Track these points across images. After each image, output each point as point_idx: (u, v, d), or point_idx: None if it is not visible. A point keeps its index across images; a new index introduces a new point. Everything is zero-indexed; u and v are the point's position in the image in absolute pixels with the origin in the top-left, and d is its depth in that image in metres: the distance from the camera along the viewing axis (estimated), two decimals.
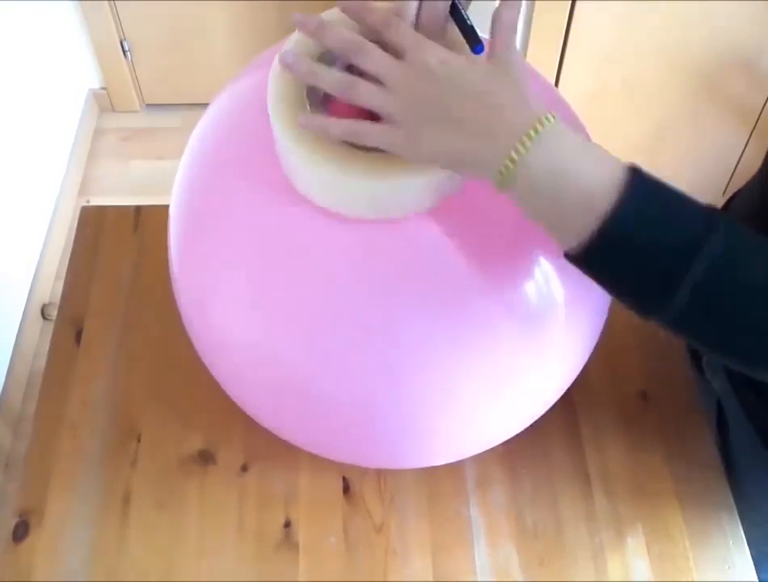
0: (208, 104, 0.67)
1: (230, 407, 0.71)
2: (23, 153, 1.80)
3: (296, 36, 0.54)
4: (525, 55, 1.72)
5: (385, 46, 0.49)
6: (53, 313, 1.48)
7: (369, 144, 0.48)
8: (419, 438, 0.62)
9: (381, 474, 0.77)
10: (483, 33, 0.51)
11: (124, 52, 2.13)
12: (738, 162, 1.93)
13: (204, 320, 0.63)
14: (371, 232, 0.53)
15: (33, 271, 1.81)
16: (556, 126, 0.45)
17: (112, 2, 2.01)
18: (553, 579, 0.72)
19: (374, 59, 0.48)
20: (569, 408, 0.66)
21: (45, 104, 1.95)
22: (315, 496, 0.76)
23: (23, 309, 1.74)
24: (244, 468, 0.78)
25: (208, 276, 0.60)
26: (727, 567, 0.73)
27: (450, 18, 0.52)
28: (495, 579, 0.72)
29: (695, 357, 0.85)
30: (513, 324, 0.56)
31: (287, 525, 0.75)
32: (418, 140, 0.47)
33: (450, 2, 0.51)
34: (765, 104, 1.79)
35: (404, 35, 0.49)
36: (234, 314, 0.59)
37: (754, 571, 0.73)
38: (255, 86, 0.56)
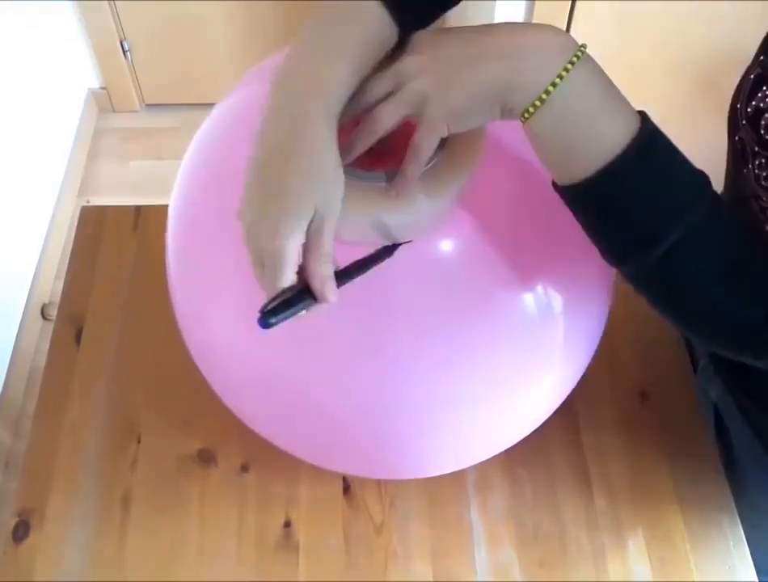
0: (208, 104, 0.66)
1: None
2: (22, 154, 1.80)
3: None
4: None
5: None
6: (53, 313, 1.48)
7: (396, 116, 0.46)
8: (419, 449, 0.62)
9: None
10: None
11: (124, 52, 2.13)
12: None
13: (200, 328, 0.62)
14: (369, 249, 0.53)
15: (33, 271, 1.81)
16: (588, 55, 0.45)
17: (112, 2, 2.00)
18: (553, 581, 0.72)
19: (375, 77, 0.47)
20: (569, 411, 0.66)
21: (45, 104, 1.94)
22: (316, 497, 0.76)
23: (23, 309, 1.74)
24: (244, 468, 0.78)
25: (204, 284, 0.60)
26: (727, 568, 0.73)
27: None
28: (495, 581, 0.72)
29: (693, 364, 0.85)
30: (513, 333, 0.56)
31: (287, 525, 0.75)
32: (445, 80, 0.44)
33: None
34: None
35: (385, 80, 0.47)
36: (231, 323, 0.59)
37: (755, 573, 0.73)
38: (261, 93, 0.55)
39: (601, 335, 0.64)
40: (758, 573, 0.73)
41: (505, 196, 0.56)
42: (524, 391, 0.60)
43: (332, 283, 0.46)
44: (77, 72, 2.16)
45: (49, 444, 0.80)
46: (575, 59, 0.44)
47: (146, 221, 0.96)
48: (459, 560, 0.73)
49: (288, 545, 0.74)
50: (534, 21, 1.72)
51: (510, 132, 0.51)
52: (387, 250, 0.51)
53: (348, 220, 0.49)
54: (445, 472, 0.71)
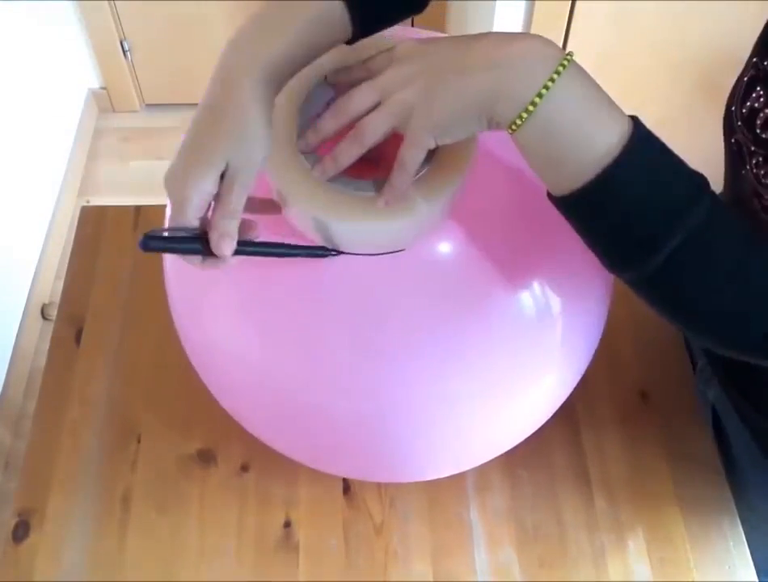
0: None
1: None
2: (22, 154, 1.80)
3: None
4: None
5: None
6: (53, 313, 1.48)
7: (381, 130, 0.46)
8: (419, 452, 0.62)
9: None
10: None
11: (124, 52, 2.13)
12: None
13: (197, 331, 0.62)
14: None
15: (33, 271, 1.81)
16: (576, 63, 0.44)
17: (112, 2, 2.01)
18: (553, 581, 0.72)
19: (357, 88, 0.47)
20: (569, 411, 0.66)
21: (45, 104, 1.94)
22: (315, 497, 0.76)
23: (23, 309, 1.74)
24: (244, 468, 0.78)
25: (202, 286, 0.60)
26: (727, 568, 0.73)
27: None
28: (495, 581, 0.72)
29: (692, 365, 0.85)
30: (511, 335, 0.55)
31: (287, 525, 0.75)
32: (430, 93, 0.45)
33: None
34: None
35: (374, 63, 0.49)
36: (228, 326, 0.58)
37: (755, 573, 0.73)
38: None
39: (600, 335, 0.64)
40: (758, 573, 0.73)
41: (501, 198, 0.56)
42: (523, 393, 0.60)
43: (230, 240, 0.47)
44: (77, 72, 2.16)
45: (49, 444, 0.80)
46: (561, 68, 0.43)
47: (146, 221, 0.97)
48: (459, 560, 0.73)
49: (288, 545, 0.74)
50: (534, 21, 1.72)
51: (505, 135, 0.51)
52: (319, 251, 0.51)
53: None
54: (445, 475, 0.71)
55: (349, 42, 0.52)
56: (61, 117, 2.08)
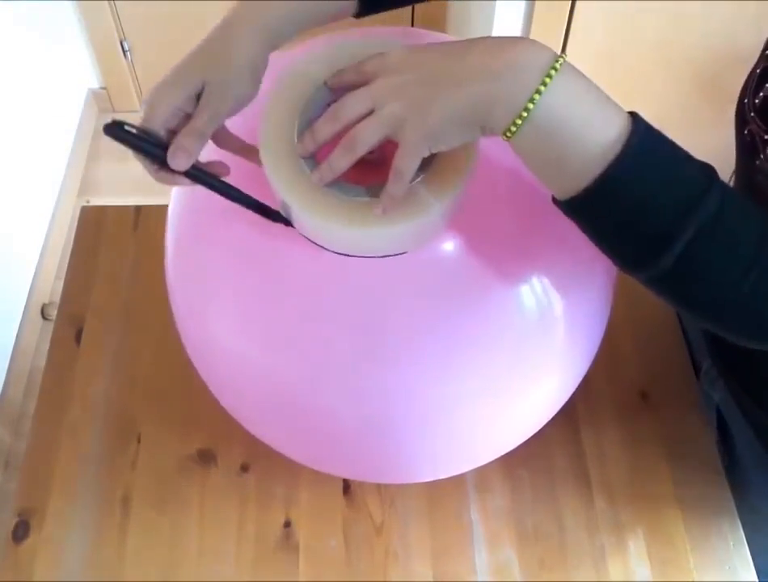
0: None
1: None
2: (22, 154, 1.80)
3: (297, 67, 0.54)
4: None
5: None
6: (53, 313, 1.48)
7: (374, 139, 0.47)
8: (420, 454, 0.62)
9: None
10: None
11: (124, 52, 2.12)
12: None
13: (198, 331, 0.62)
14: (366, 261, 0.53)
15: (33, 271, 1.81)
16: (569, 64, 0.44)
17: (112, 2, 2.00)
18: (553, 581, 0.72)
19: (351, 94, 0.48)
20: (569, 411, 0.66)
21: (45, 104, 1.94)
22: (316, 497, 0.76)
23: (23, 309, 1.74)
24: (244, 468, 0.78)
25: (204, 286, 0.60)
26: (727, 568, 0.73)
27: None
28: (495, 581, 0.72)
29: (695, 368, 0.85)
30: (513, 338, 0.55)
31: (287, 525, 0.75)
32: (423, 104, 0.45)
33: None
34: None
35: (369, 66, 0.49)
36: (230, 326, 0.58)
37: (755, 573, 0.73)
38: (259, 97, 0.55)
39: (602, 337, 0.64)
40: (758, 574, 0.73)
41: (502, 199, 0.56)
42: (525, 395, 0.60)
43: (186, 156, 0.49)
44: (77, 72, 2.16)
45: (49, 444, 0.80)
46: (553, 72, 0.43)
47: (146, 221, 0.96)
48: (459, 560, 0.73)
49: (288, 545, 0.74)
50: (534, 21, 1.72)
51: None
52: (271, 214, 0.52)
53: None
54: (446, 476, 0.70)
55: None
56: (61, 117, 2.07)
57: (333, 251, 0.52)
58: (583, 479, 0.77)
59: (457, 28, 1.96)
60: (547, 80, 0.43)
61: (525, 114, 0.43)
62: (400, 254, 0.52)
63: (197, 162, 0.50)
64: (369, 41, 0.53)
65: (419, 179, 0.50)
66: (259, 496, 0.76)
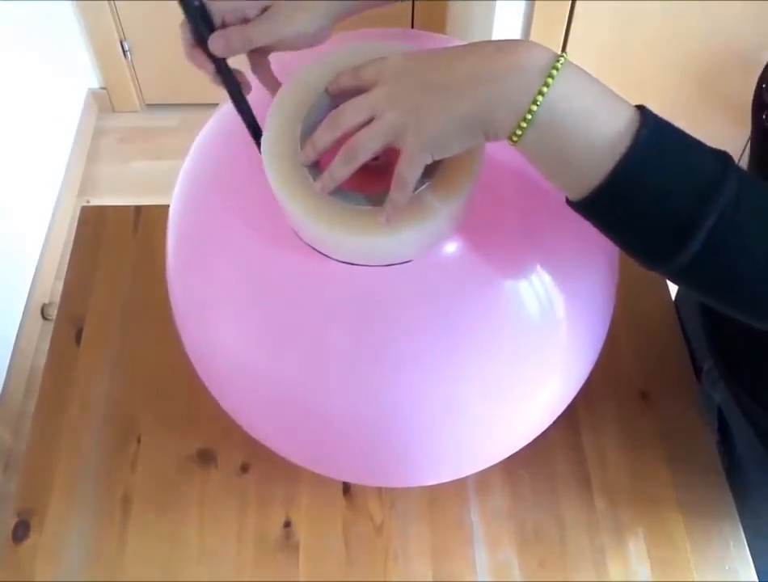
0: (208, 104, 0.66)
1: None
2: (23, 154, 1.80)
3: (300, 74, 0.54)
4: None
5: None
6: (53, 313, 1.48)
7: (374, 147, 0.46)
8: (421, 458, 0.62)
9: None
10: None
11: (124, 52, 2.13)
12: (738, 161, 1.93)
13: (199, 332, 0.62)
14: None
15: (33, 271, 1.81)
16: (570, 63, 0.44)
17: (112, 2, 2.00)
18: (553, 581, 0.72)
19: (349, 102, 0.47)
20: (570, 412, 0.66)
21: (45, 104, 1.94)
22: (315, 497, 0.76)
23: (22, 309, 1.74)
24: (244, 468, 0.78)
25: (204, 286, 0.59)
26: (727, 568, 0.73)
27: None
28: (495, 581, 0.72)
29: (695, 369, 0.85)
30: (515, 342, 0.55)
31: (287, 525, 0.75)
32: (423, 110, 0.45)
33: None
34: None
35: (366, 72, 0.49)
36: (231, 327, 0.58)
37: (754, 573, 0.73)
38: (262, 100, 0.55)
39: (603, 340, 0.64)
40: (758, 574, 0.73)
41: (505, 203, 0.56)
42: (527, 399, 0.59)
43: (225, 45, 0.53)
44: (77, 72, 2.16)
45: (49, 445, 0.80)
46: (554, 71, 0.43)
47: (146, 221, 0.96)
48: (459, 560, 0.73)
49: (288, 545, 0.74)
50: (534, 21, 1.72)
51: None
52: (257, 137, 0.53)
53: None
54: (447, 480, 0.70)
55: None
56: (61, 117, 2.07)
57: (337, 260, 0.52)
58: (583, 480, 0.77)
59: (458, 28, 1.96)
60: (549, 80, 0.43)
61: (529, 116, 0.43)
62: (405, 262, 0.52)
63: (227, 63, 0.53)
64: (371, 46, 0.53)
65: (423, 186, 0.49)
66: (260, 496, 0.76)
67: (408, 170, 0.46)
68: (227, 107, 0.64)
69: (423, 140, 0.45)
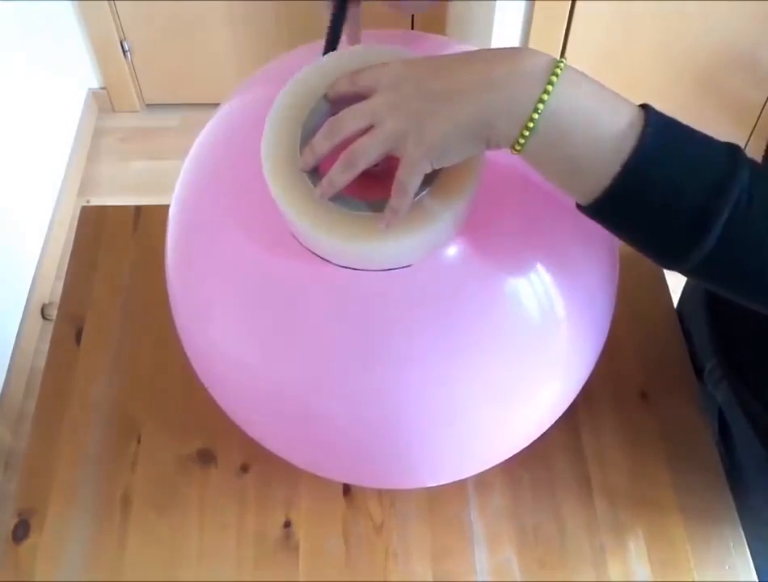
0: (208, 104, 0.66)
1: None
2: (23, 154, 1.80)
3: (298, 79, 0.54)
4: None
5: None
6: (53, 313, 1.48)
7: (373, 155, 0.46)
8: (422, 460, 0.62)
9: None
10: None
11: (124, 52, 2.13)
12: None
13: (199, 333, 0.62)
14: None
15: (33, 271, 1.81)
16: (571, 68, 0.44)
17: (112, 1, 2.00)
18: (553, 581, 0.72)
19: (349, 109, 0.47)
20: (570, 412, 0.66)
21: (45, 104, 1.94)
22: (316, 497, 0.76)
23: (23, 309, 1.74)
24: (244, 468, 0.78)
25: (204, 287, 0.59)
26: (727, 568, 0.73)
27: None
28: (495, 581, 0.72)
29: (695, 368, 0.85)
30: (516, 344, 0.55)
31: (287, 525, 0.75)
32: (423, 118, 0.44)
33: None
34: (765, 103, 1.79)
35: (364, 78, 0.48)
36: (231, 328, 0.58)
37: (754, 573, 0.73)
38: (265, 96, 0.55)
39: (604, 341, 0.64)
40: (758, 574, 0.73)
41: (506, 206, 0.56)
42: (528, 401, 0.59)
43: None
44: (77, 72, 2.16)
45: (49, 444, 0.80)
46: (554, 78, 0.43)
47: (146, 221, 0.96)
48: (459, 560, 0.73)
49: (288, 545, 0.74)
50: (534, 21, 1.72)
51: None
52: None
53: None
54: (447, 481, 0.70)
55: None
56: (61, 117, 2.07)
57: (337, 265, 0.52)
58: (583, 480, 0.77)
59: (457, 29, 1.96)
60: (549, 87, 0.42)
61: (531, 124, 0.43)
62: (405, 267, 0.52)
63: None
64: (371, 50, 0.53)
65: (424, 192, 0.49)
66: (259, 496, 0.77)
67: (408, 177, 0.46)
68: (227, 107, 0.64)
69: (423, 148, 0.45)
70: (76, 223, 0.98)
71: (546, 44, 1.74)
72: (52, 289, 1.86)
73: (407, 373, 0.54)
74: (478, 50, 0.46)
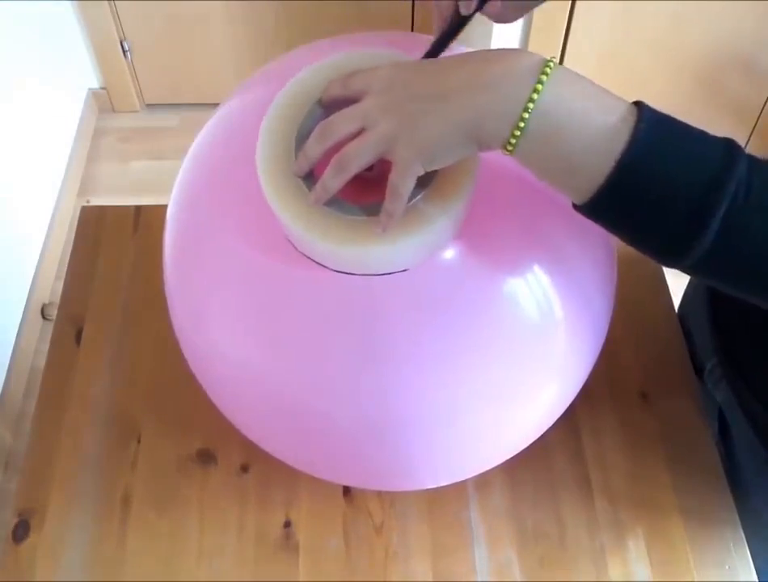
0: (208, 104, 0.66)
1: None
2: (23, 154, 1.80)
3: (293, 83, 0.53)
4: None
5: None
6: (53, 313, 1.48)
7: (365, 159, 0.46)
8: (421, 462, 0.62)
9: None
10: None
11: (124, 52, 2.13)
12: None
13: (197, 334, 0.62)
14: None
15: (33, 271, 1.81)
16: (561, 67, 0.44)
17: (112, 2, 2.01)
18: (553, 581, 0.72)
19: (340, 113, 0.47)
20: (569, 412, 0.66)
21: (45, 104, 1.94)
22: (315, 497, 0.76)
23: (23, 309, 1.74)
24: (244, 468, 0.78)
25: (202, 288, 0.59)
26: (727, 568, 0.73)
27: None
28: (495, 581, 0.72)
29: (696, 368, 0.85)
30: (515, 345, 0.55)
31: (287, 525, 0.75)
32: (413, 121, 0.44)
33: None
34: (765, 103, 1.79)
35: (356, 82, 0.48)
36: (229, 329, 0.58)
37: (754, 573, 0.73)
38: (265, 96, 0.55)
39: (602, 343, 0.64)
40: (758, 574, 0.73)
41: (503, 208, 0.56)
42: (526, 402, 0.59)
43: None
44: (77, 72, 2.16)
45: (49, 444, 0.80)
46: (543, 77, 0.43)
47: (146, 221, 0.97)
48: (459, 560, 0.73)
49: (288, 545, 0.74)
50: (534, 22, 1.72)
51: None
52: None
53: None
54: (447, 483, 0.70)
55: None
56: (61, 117, 2.07)
57: (334, 270, 0.52)
58: (583, 480, 0.77)
59: None
60: (539, 86, 0.42)
61: (521, 124, 0.43)
62: (402, 271, 0.52)
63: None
64: (367, 54, 0.53)
65: (420, 196, 0.49)
66: (259, 496, 0.77)
67: (401, 180, 0.46)
68: (226, 107, 0.64)
69: (414, 151, 0.45)
70: (76, 223, 0.98)
71: (546, 44, 1.74)
72: (52, 289, 1.86)
73: (405, 376, 0.54)
74: (468, 52, 0.46)
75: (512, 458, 0.67)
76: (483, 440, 0.61)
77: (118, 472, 0.78)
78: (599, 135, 0.43)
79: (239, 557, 0.73)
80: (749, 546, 0.74)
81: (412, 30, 1.95)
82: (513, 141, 0.44)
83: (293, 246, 0.53)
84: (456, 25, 0.55)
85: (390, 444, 0.58)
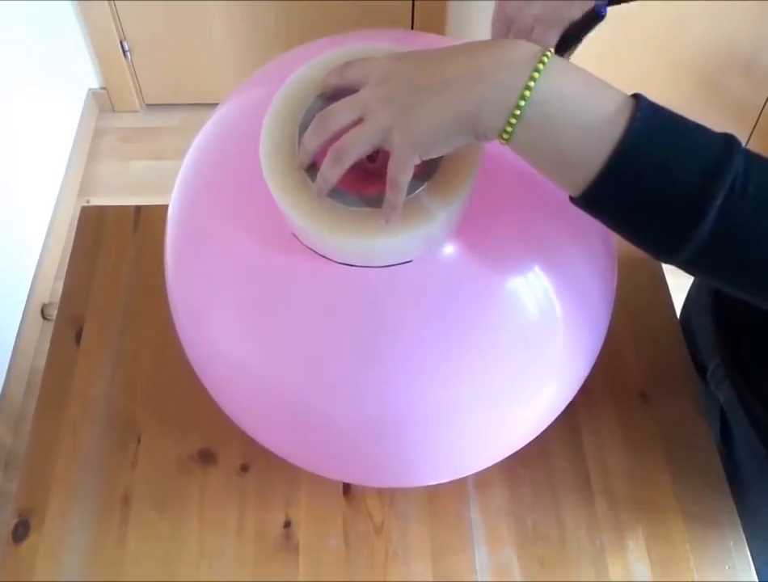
0: (208, 104, 0.66)
1: None
2: (23, 154, 1.80)
3: (295, 78, 0.54)
4: None
5: None
6: (53, 313, 1.48)
7: (362, 149, 0.46)
8: (421, 459, 0.62)
9: None
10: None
11: (124, 52, 2.13)
12: None
13: (198, 334, 0.62)
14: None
15: (33, 271, 1.81)
16: (557, 58, 0.44)
17: (112, 2, 2.00)
18: (553, 581, 0.72)
19: (338, 103, 0.47)
20: (569, 411, 0.66)
21: (45, 104, 1.94)
22: (315, 497, 0.76)
23: (23, 309, 1.74)
24: (244, 468, 0.78)
25: (203, 288, 0.59)
26: (727, 568, 0.73)
27: None
28: (495, 581, 0.72)
29: (699, 368, 0.85)
30: (515, 344, 0.55)
31: (287, 525, 0.75)
32: (409, 111, 0.45)
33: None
34: (765, 103, 1.79)
35: (353, 71, 0.48)
36: (230, 329, 0.58)
37: (754, 573, 0.73)
38: (265, 96, 0.55)
39: (602, 342, 0.64)
40: (758, 574, 0.73)
41: (503, 204, 0.56)
42: (526, 400, 0.59)
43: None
44: (77, 72, 2.16)
45: (49, 444, 0.80)
46: (540, 66, 0.43)
47: (146, 221, 0.97)
48: (459, 560, 0.73)
49: (288, 545, 0.74)
50: None
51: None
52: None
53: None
54: (446, 480, 0.70)
55: None
56: (61, 117, 2.07)
57: (336, 261, 0.52)
58: (583, 479, 0.77)
59: (457, 28, 1.96)
60: (536, 75, 0.42)
61: (517, 112, 0.43)
62: (405, 263, 0.52)
63: None
64: (368, 48, 0.53)
65: (422, 188, 0.49)
66: (259, 496, 0.77)
67: (398, 171, 0.46)
68: (226, 107, 0.64)
69: (410, 141, 0.45)
70: (76, 223, 0.98)
71: None
72: (52, 289, 1.86)
73: (405, 373, 0.54)
74: (465, 43, 0.46)
75: (512, 459, 0.67)
76: (482, 437, 0.61)
77: (118, 472, 0.78)
78: (595, 124, 0.43)
79: (239, 557, 0.73)
80: (749, 546, 0.74)
81: (412, 29, 1.96)
82: (509, 129, 0.44)
83: (296, 239, 0.53)
84: (589, 22, 0.59)
85: (390, 442, 0.58)
